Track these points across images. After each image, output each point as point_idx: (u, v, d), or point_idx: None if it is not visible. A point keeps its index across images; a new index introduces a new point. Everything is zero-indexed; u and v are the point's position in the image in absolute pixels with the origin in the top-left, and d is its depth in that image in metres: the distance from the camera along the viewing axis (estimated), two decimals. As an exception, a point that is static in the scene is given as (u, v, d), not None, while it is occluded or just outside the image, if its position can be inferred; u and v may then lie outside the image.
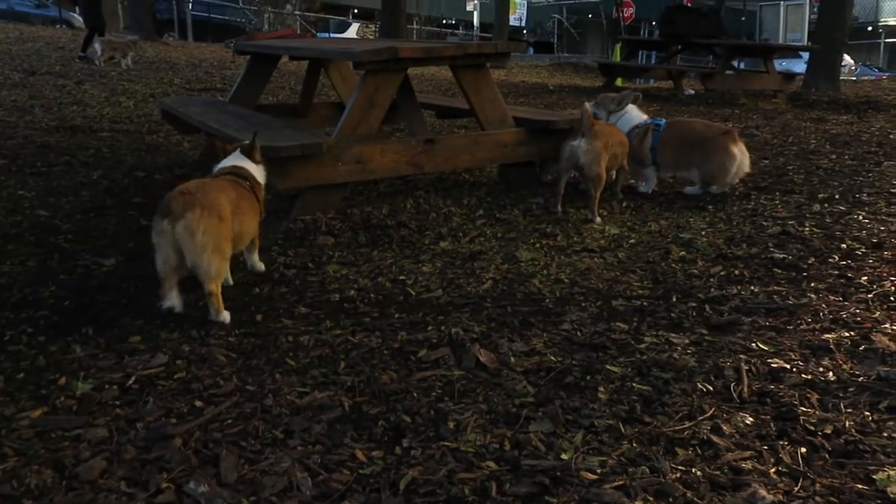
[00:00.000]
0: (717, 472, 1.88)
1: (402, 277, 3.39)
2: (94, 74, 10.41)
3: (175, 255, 2.72)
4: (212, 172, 3.17)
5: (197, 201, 2.70)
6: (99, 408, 2.22)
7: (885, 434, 2.03)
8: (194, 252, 2.69)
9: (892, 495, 1.77)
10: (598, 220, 4.27)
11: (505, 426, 2.12)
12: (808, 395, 2.24)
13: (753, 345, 2.61)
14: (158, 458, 1.95)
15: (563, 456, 1.96)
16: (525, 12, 32.77)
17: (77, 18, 22.88)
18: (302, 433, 2.09)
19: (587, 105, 4.41)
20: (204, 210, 2.69)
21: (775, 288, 3.18)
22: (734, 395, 2.26)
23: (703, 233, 4.04)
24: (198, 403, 2.26)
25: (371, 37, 24.58)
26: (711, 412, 2.16)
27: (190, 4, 23.32)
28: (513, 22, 26.45)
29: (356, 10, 32.43)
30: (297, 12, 26.46)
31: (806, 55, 13.31)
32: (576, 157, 4.31)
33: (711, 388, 2.31)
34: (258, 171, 3.25)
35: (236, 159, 3.21)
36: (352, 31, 28.04)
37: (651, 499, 1.78)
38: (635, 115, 5.01)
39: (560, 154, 4.44)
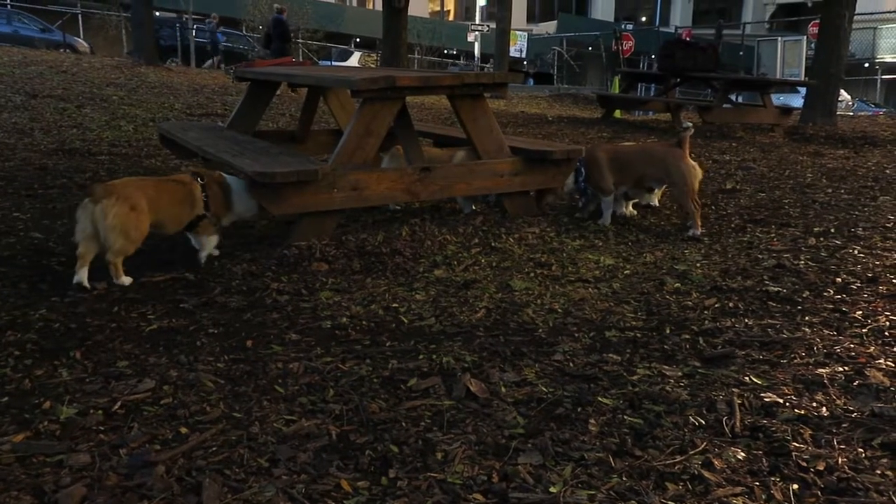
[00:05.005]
0: (708, 508, 1.85)
1: (394, 305, 3.37)
2: (95, 98, 10.46)
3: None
4: None
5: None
6: (82, 433, 2.19)
7: (879, 471, 2.00)
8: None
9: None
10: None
11: (494, 457, 2.09)
12: (801, 431, 2.21)
13: (746, 378, 2.59)
14: (140, 485, 1.92)
15: (552, 489, 1.93)
16: (525, 44, 33.02)
17: (82, 43, 23.15)
18: (287, 462, 2.06)
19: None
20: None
21: (769, 321, 3.16)
22: (726, 430, 2.23)
23: (699, 265, 4.03)
24: (183, 430, 2.23)
25: (373, 66, 24.78)
26: (703, 446, 2.13)
27: (193, 31, 23.55)
28: (513, 53, 26.61)
29: (358, 40, 32.73)
30: (299, 40, 26.68)
31: (803, 90, 13.40)
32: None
33: (703, 422, 2.28)
34: None
35: None
36: (354, 60, 28.26)
37: (640, 535, 1.75)
38: None
39: (690, 172, 4.79)
